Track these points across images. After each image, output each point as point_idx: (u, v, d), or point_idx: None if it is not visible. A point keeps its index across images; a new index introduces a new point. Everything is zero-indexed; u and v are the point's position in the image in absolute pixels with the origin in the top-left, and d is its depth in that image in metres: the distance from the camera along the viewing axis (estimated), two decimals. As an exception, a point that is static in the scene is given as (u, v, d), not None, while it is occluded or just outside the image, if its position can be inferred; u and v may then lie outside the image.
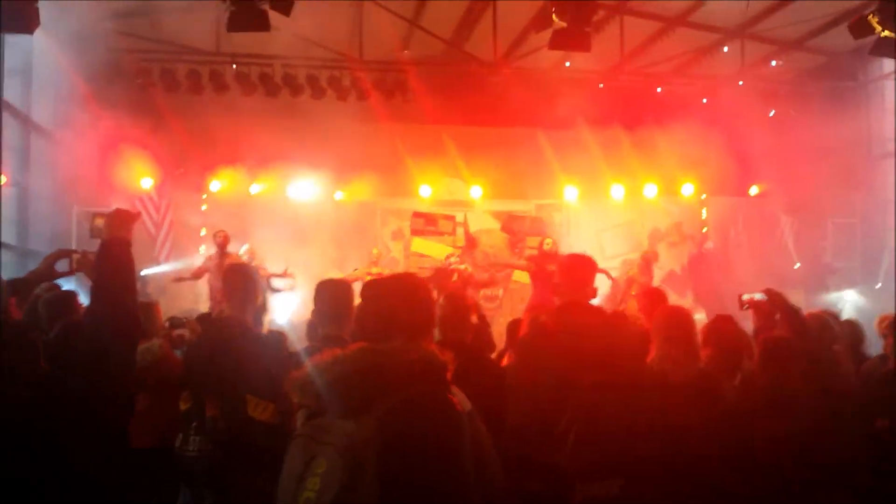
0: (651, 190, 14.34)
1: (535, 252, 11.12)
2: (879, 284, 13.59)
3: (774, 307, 4.45)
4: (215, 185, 13.32)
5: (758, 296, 4.61)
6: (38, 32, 8.62)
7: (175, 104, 12.42)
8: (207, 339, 4.29)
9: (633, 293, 10.58)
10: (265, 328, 5.51)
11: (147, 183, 12.98)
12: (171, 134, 12.31)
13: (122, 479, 2.73)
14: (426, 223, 13.61)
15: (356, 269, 11.75)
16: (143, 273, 11.83)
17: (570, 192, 14.33)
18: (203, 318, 6.59)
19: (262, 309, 4.35)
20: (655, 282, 11.44)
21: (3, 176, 10.16)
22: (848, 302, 13.10)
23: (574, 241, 13.63)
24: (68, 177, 11.86)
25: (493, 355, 5.97)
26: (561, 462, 3.59)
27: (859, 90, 14.96)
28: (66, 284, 4.38)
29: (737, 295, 4.78)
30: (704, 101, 13.90)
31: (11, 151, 10.76)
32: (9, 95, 10.90)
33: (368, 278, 11.11)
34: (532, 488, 3.61)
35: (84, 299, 4.75)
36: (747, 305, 4.68)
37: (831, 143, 12.84)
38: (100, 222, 2.98)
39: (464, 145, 13.68)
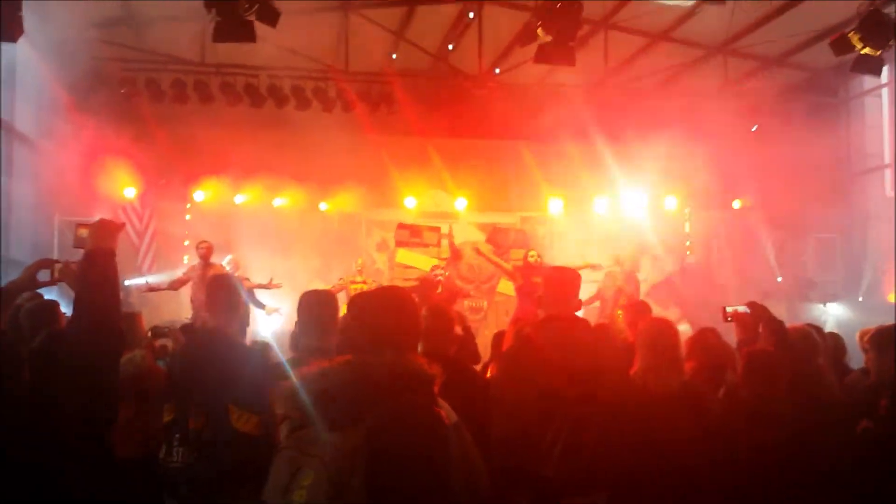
0: (634, 203, 14.41)
1: (520, 264, 11.14)
2: (861, 298, 13.72)
3: (758, 320, 4.48)
4: (199, 195, 13.26)
5: (741, 308, 4.64)
6: (21, 41, 8.55)
7: (159, 114, 12.36)
8: (191, 350, 4.27)
9: (621, 303, 10.60)
10: (248, 339, 5.47)
11: (130, 192, 12.88)
12: (155, 143, 12.24)
13: (106, 490, 2.70)
14: (411, 235, 13.60)
15: (340, 279, 11.74)
16: (126, 283, 11.74)
17: (555, 205, 14.37)
18: (186, 329, 6.55)
19: (246, 319, 4.33)
20: (640, 295, 11.47)
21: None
22: (830, 315, 13.22)
23: (558, 253, 13.67)
24: (51, 186, 11.76)
25: (478, 367, 5.97)
26: (546, 475, 3.59)
27: (840, 106, 15.14)
28: (48, 294, 4.34)
29: (720, 307, 4.81)
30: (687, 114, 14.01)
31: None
32: (-9, 104, 10.82)
33: (353, 288, 11.10)
34: (518, 501, 3.61)
35: (66, 309, 4.72)
36: (731, 318, 4.71)
37: (813, 159, 12.99)
38: (83, 232, 2.96)
39: (449, 157, 13.72)
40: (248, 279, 10.79)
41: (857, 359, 5.44)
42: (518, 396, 3.74)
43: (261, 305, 10.78)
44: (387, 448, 1.93)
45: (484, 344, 7.10)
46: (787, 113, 14.10)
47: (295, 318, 4.09)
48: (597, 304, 11.15)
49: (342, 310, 4.27)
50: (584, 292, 4.19)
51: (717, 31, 12.23)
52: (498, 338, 5.94)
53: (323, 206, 13.89)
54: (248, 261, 11.49)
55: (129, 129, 12.00)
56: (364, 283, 11.46)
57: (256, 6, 8.83)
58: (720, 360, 4.46)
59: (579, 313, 4.17)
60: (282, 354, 4.67)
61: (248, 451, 3.45)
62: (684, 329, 6.80)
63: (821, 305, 13.73)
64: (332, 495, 1.85)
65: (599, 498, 3.64)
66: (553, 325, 3.95)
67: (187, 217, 13.39)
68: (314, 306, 3.95)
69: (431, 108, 13.04)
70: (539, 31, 9.34)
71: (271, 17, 9.06)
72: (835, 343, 5.54)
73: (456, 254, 12.55)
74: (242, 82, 12.51)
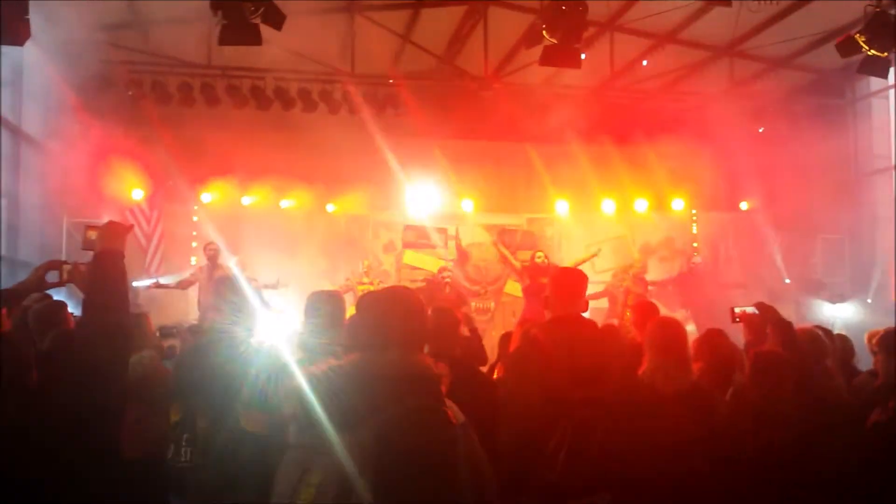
0: (642, 204, 14.41)
1: (527, 264, 11.15)
2: (870, 300, 13.67)
3: (766, 321, 4.47)
4: (206, 196, 13.28)
5: (749, 309, 4.63)
6: (28, 43, 8.58)
7: (166, 116, 12.39)
8: (199, 350, 4.28)
9: (630, 304, 10.62)
10: (256, 339, 5.48)
11: (138, 194, 12.93)
12: (162, 145, 12.25)
13: (114, 490, 2.71)
14: (418, 236, 13.61)
15: (347, 280, 11.77)
16: (134, 285, 11.77)
17: (562, 206, 14.37)
18: (194, 329, 6.56)
19: (253, 320, 4.34)
20: (647, 296, 11.46)
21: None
22: (839, 317, 13.17)
23: (566, 254, 13.66)
24: (58, 187, 11.81)
25: (485, 368, 5.97)
26: (553, 477, 3.59)
27: (847, 108, 15.11)
28: (56, 295, 4.35)
29: (728, 308, 4.80)
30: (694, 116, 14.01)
31: (2, 162, 10.71)
32: (-1, 106, 10.88)
33: (359, 289, 11.12)
34: (524, 502, 3.60)
35: (74, 310, 4.73)
36: (739, 319, 4.70)
37: (820, 160, 12.96)
38: (92, 234, 2.96)
39: (455, 159, 13.71)
40: (255, 280, 10.81)
41: (865, 360, 5.41)
42: (524, 398, 3.73)
43: (268, 306, 10.78)
44: (395, 448, 1.93)
45: (491, 345, 7.10)
46: (793, 114, 14.06)
47: (302, 318, 4.11)
48: (605, 303, 11.15)
49: (349, 310, 4.28)
50: (589, 290, 4.18)
51: (724, 32, 12.20)
52: (505, 339, 5.95)
53: (330, 207, 13.90)
54: (255, 262, 11.51)
55: (136, 131, 12.05)
56: (370, 283, 11.48)
57: (262, 9, 8.83)
58: (728, 360, 4.45)
59: (586, 314, 4.15)
60: (289, 355, 4.68)
61: (255, 450, 3.46)
62: (691, 330, 6.80)
63: (829, 306, 13.67)
64: (340, 494, 1.85)
65: (604, 499, 3.63)
66: (560, 326, 3.94)
67: (195, 219, 13.42)
68: (321, 306, 3.97)
69: (437, 110, 13.04)
70: (544, 32, 9.33)
71: (277, 20, 9.06)
72: (843, 345, 5.52)
73: (463, 255, 12.55)
74: (249, 85, 12.52)
